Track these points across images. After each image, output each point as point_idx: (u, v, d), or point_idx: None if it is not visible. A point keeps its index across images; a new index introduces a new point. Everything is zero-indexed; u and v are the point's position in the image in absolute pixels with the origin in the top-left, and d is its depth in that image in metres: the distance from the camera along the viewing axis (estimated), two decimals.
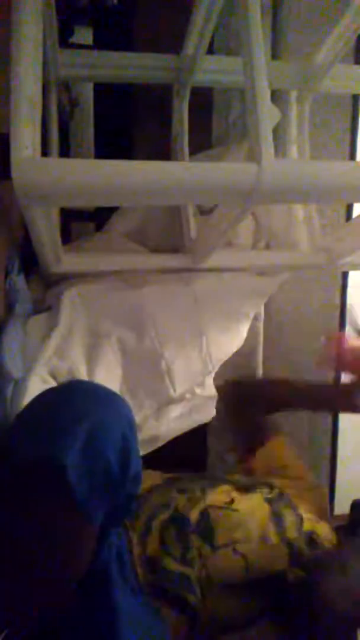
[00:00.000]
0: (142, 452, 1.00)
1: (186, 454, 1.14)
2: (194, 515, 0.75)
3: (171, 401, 0.99)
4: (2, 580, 0.56)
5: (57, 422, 0.58)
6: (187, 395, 1.04)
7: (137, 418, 0.95)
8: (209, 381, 1.13)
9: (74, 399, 0.61)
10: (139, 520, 0.76)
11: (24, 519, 0.56)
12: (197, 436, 1.22)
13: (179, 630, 0.68)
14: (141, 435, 0.97)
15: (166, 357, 0.97)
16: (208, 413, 1.13)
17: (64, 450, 0.54)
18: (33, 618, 0.58)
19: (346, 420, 1.44)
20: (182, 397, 1.01)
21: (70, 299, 0.95)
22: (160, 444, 1.03)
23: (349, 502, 0.96)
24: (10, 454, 0.58)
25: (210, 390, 1.15)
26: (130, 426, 0.61)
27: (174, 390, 0.98)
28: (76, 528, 0.57)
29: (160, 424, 1.01)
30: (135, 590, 0.68)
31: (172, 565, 0.70)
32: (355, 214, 1.32)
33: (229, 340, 1.08)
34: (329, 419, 1.41)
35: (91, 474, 0.55)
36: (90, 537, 0.59)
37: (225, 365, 1.11)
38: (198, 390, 1.09)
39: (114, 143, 1.57)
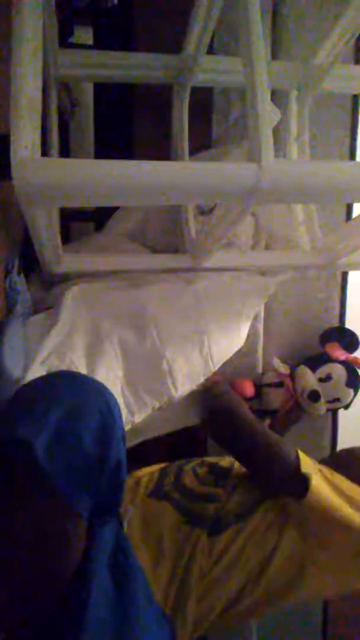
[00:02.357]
0: (138, 441, 1.01)
1: (186, 454, 1.14)
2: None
3: (172, 401, 0.99)
4: None
5: (32, 406, 0.59)
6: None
7: (139, 417, 0.96)
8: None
9: (54, 386, 0.63)
10: (170, 469, 0.92)
11: (1, 501, 0.56)
12: (196, 435, 1.22)
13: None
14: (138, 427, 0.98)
15: (167, 357, 0.97)
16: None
17: (32, 430, 0.55)
18: (17, 613, 0.58)
19: (346, 420, 1.44)
20: (182, 397, 1.02)
21: (71, 298, 0.95)
22: (151, 436, 1.04)
23: None
24: None
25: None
26: (111, 413, 0.61)
27: (175, 390, 0.98)
28: (55, 511, 0.57)
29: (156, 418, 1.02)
30: (149, 597, 0.69)
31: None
32: (355, 214, 1.32)
33: (229, 340, 1.08)
34: (329, 418, 1.41)
35: (65, 455, 0.55)
36: (74, 524, 0.58)
37: (225, 365, 1.11)
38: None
39: (114, 143, 1.57)
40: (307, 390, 1.18)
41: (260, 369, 1.30)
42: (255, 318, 1.22)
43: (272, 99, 0.77)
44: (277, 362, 1.24)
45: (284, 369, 1.23)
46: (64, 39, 1.33)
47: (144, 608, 0.67)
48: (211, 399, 1.02)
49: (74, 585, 0.59)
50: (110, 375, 0.92)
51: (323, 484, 0.80)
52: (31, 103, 0.60)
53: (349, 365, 1.21)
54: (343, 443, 1.43)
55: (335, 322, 1.37)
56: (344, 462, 0.93)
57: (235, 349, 1.10)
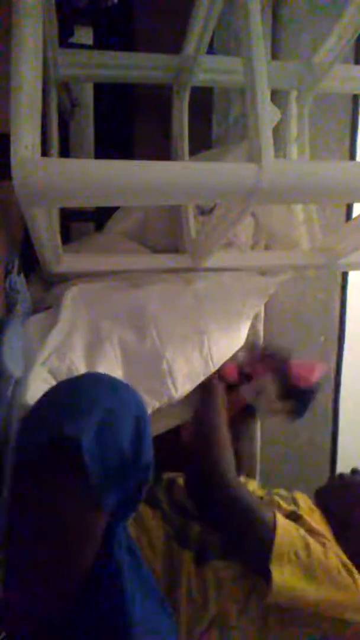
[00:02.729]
0: None
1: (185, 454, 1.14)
2: None
3: (172, 401, 0.99)
4: (13, 558, 0.57)
5: (72, 406, 0.60)
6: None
7: None
8: None
9: (88, 386, 0.64)
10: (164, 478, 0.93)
11: (38, 500, 0.57)
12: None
13: None
14: None
15: (167, 357, 0.96)
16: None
17: (80, 431, 0.55)
18: (40, 605, 0.58)
19: (346, 420, 1.44)
20: (183, 396, 1.02)
21: (71, 298, 0.95)
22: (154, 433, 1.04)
23: None
24: (24, 438, 0.60)
25: None
26: (143, 415, 0.63)
27: (176, 390, 0.98)
28: (87, 511, 0.58)
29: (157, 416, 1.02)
30: (151, 588, 0.69)
31: None
32: (355, 214, 1.32)
33: (229, 340, 1.08)
34: (330, 417, 1.42)
35: (104, 458, 0.56)
36: (98, 523, 0.59)
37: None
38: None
39: (114, 143, 1.57)
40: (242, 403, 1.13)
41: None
42: (255, 318, 1.22)
43: (272, 99, 0.77)
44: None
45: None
46: (64, 39, 1.33)
47: (159, 606, 0.68)
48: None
49: (106, 581, 0.60)
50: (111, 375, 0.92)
51: (291, 578, 0.77)
52: (31, 103, 0.60)
53: (280, 377, 1.14)
54: (343, 442, 1.43)
55: (335, 322, 1.37)
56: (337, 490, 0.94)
57: (236, 349, 1.10)
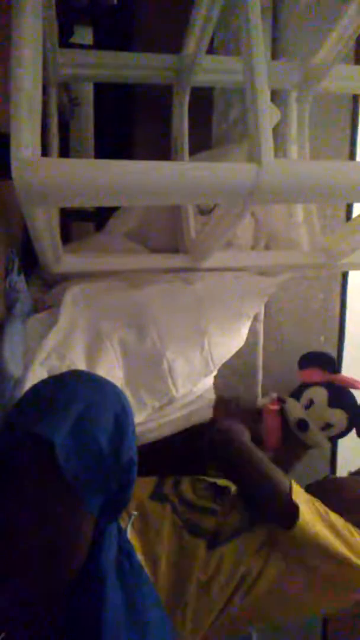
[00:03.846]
0: (138, 443, 1.01)
1: (184, 455, 1.14)
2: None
3: (173, 401, 0.99)
4: None
5: (48, 403, 0.59)
6: (188, 395, 1.04)
7: (139, 417, 0.96)
8: (210, 381, 1.13)
9: (67, 384, 0.63)
10: (167, 479, 0.95)
11: (14, 498, 0.57)
12: (195, 437, 1.22)
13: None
14: (140, 428, 0.98)
15: (168, 357, 0.96)
16: (207, 413, 1.13)
17: (53, 428, 0.55)
18: (25, 609, 0.57)
19: None
20: (183, 396, 1.02)
21: (71, 298, 0.95)
22: (153, 438, 1.04)
23: None
24: (3, 435, 0.60)
25: (211, 390, 1.15)
26: (125, 412, 0.62)
27: (176, 391, 0.98)
28: (68, 509, 0.57)
29: (161, 421, 1.02)
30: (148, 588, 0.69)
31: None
32: (355, 214, 1.32)
33: (229, 340, 1.08)
34: None
35: (81, 454, 0.56)
36: (84, 522, 0.58)
37: (226, 365, 1.11)
38: (199, 390, 1.09)
39: (114, 143, 1.57)
40: (295, 420, 1.16)
41: (260, 370, 1.30)
42: (255, 318, 1.22)
43: (272, 99, 0.77)
44: (261, 401, 1.23)
45: (270, 403, 1.20)
46: (64, 39, 1.33)
47: (152, 608, 0.67)
48: (214, 432, 1.01)
49: (87, 585, 0.59)
50: (110, 375, 0.92)
51: (311, 516, 0.82)
52: (31, 103, 0.60)
53: (330, 386, 1.18)
54: (343, 443, 1.43)
55: (335, 322, 1.37)
56: (328, 490, 0.96)
57: (236, 349, 1.10)
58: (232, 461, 0.92)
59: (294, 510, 0.80)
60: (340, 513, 0.86)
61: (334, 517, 0.85)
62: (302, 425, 1.15)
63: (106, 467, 0.58)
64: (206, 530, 0.85)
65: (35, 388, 0.65)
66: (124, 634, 0.60)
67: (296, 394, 1.22)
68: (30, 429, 0.56)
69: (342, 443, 1.43)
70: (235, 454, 0.92)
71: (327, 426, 1.18)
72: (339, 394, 1.18)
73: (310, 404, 1.18)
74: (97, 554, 0.61)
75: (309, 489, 0.93)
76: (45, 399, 0.61)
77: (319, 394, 1.18)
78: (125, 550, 0.68)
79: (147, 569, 0.77)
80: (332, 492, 0.96)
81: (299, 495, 0.84)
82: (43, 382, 0.66)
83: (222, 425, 1.02)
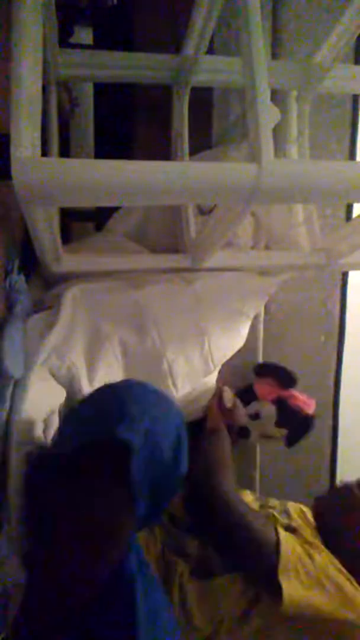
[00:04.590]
0: None
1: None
2: None
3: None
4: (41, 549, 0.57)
5: (123, 411, 0.59)
6: (188, 395, 1.04)
7: None
8: (210, 381, 1.13)
9: (137, 393, 0.64)
10: None
11: (74, 501, 0.57)
12: (195, 436, 1.22)
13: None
14: None
15: (168, 357, 0.96)
16: (199, 409, 1.14)
17: (133, 433, 0.56)
18: (60, 607, 0.57)
19: (346, 420, 1.44)
20: (183, 396, 1.02)
21: (71, 298, 0.95)
22: None
23: None
24: (68, 438, 0.61)
25: (211, 390, 1.15)
26: (182, 425, 0.63)
27: (176, 391, 0.98)
28: (121, 516, 0.58)
29: None
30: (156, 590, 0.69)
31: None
32: (355, 214, 1.32)
33: (230, 340, 1.08)
34: (330, 418, 1.42)
35: (149, 462, 0.57)
36: (128, 529, 0.59)
37: (225, 365, 1.11)
38: (199, 390, 1.09)
39: (114, 143, 1.57)
40: (237, 426, 1.14)
41: None
42: (255, 318, 1.22)
43: (272, 99, 0.77)
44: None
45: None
46: (64, 39, 1.33)
47: (164, 611, 0.67)
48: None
49: (118, 587, 0.60)
50: (111, 375, 0.92)
51: (299, 588, 0.77)
52: (31, 103, 0.60)
53: (280, 404, 1.17)
54: (343, 443, 1.43)
55: (335, 322, 1.37)
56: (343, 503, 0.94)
57: (236, 349, 1.10)
58: (220, 518, 0.85)
59: (277, 589, 0.76)
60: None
61: (325, 567, 0.81)
62: (244, 432, 1.15)
63: (164, 477, 0.59)
64: (190, 555, 0.84)
65: (101, 395, 0.66)
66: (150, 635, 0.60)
67: (245, 397, 1.19)
68: (109, 432, 0.56)
69: (343, 443, 1.43)
70: (224, 511, 0.85)
71: (267, 437, 1.18)
72: (287, 414, 1.17)
73: (256, 416, 1.17)
74: (127, 557, 0.61)
75: (321, 501, 0.92)
76: (116, 406, 0.61)
77: (268, 411, 1.17)
78: (141, 558, 0.68)
79: None
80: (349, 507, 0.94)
81: (286, 560, 0.79)
82: (108, 390, 0.67)
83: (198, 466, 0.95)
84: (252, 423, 1.17)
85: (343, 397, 1.42)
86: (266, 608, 0.79)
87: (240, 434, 1.15)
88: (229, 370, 1.21)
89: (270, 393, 1.19)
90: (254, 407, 1.18)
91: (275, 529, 0.84)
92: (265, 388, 1.21)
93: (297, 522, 0.95)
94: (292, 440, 1.19)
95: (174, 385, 0.97)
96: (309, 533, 0.92)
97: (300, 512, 1.00)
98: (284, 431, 1.18)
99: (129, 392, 0.64)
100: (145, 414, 0.59)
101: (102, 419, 0.60)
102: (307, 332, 1.35)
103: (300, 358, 1.35)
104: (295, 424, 1.17)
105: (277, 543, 0.80)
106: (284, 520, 0.95)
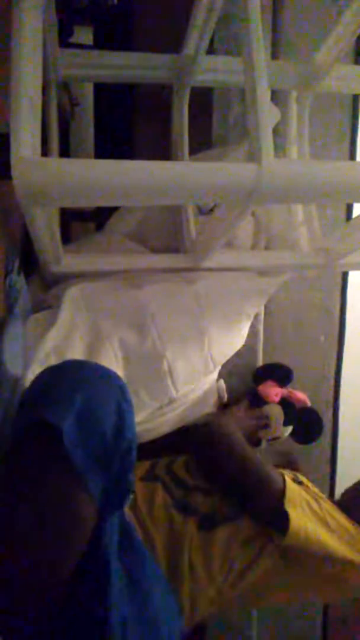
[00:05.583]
0: (139, 441, 1.01)
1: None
2: None
3: (173, 401, 0.99)
4: None
5: (54, 391, 0.61)
6: (188, 395, 1.04)
7: (139, 417, 0.96)
8: (210, 381, 1.13)
9: (69, 372, 0.65)
10: (162, 460, 0.96)
11: (22, 485, 0.57)
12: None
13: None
14: (139, 428, 0.98)
15: (168, 357, 0.97)
16: (206, 411, 1.14)
17: (61, 415, 0.56)
18: (26, 598, 0.57)
19: (346, 420, 1.44)
20: (183, 396, 1.02)
21: (71, 298, 0.95)
22: (154, 437, 1.04)
23: None
24: (15, 424, 0.62)
25: (211, 389, 1.15)
26: (124, 397, 0.64)
27: (176, 391, 0.98)
28: (74, 495, 0.58)
29: (160, 420, 1.02)
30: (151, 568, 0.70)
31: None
32: (355, 214, 1.32)
33: (230, 340, 1.08)
34: (330, 418, 1.41)
35: (86, 441, 0.57)
36: (85, 504, 0.59)
37: (225, 365, 1.11)
38: (199, 390, 1.09)
39: (114, 143, 1.57)
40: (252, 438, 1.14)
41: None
42: (255, 318, 1.22)
43: (272, 99, 0.77)
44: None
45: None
46: (64, 39, 1.33)
47: (155, 585, 0.68)
48: (207, 424, 1.01)
49: (91, 571, 0.60)
50: None
51: (304, 519, 0.81)
52: (31, 103, 0.60)
53: (285, 403, 1.19)
54: (343, 443, 1.43)
55: (335, 322, 1.37)
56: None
57: (236, 349, 1.10)
58: (215, 457, 0.91)
59: (284, 516, 0.80)
60: None
61: (331, 511, 0.85)
62: (257, 443, 1.17)
63: (109, 451, 0.60)
64: (195, 509, 0.85)
65: (41, 377, 0.67)
66: (126, 609, 0.60)
67: (254, 403, 1.19)
68: (38, 415, 0.57)
69: (343, 443, 1.43)
70: (218, 449, 0.91)
71: (274, 439, 1.19)
72: (291, 411, 1.18)
73: (266, 425, 1.17)
74: (101, 539, 0.61)
75: (347, 495, 0.93)
76: (51, 385, 0.63)
77: (278, 413, 1.17)
78: (126, 531, 0.68)
79: (145, 546, 0.78)
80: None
81: (292, 494, 0.83)
82: (47, 371, 0.68)
83: (208, 419, 1.02)
84: (263, 432, 1.17)
85: (343, 397, 1.42)
86: (271, 555, 0.82)
87: (254, 444, 1.16)
88: (228, 371, 1.21)
89: (277, 394, 1.20)
90: (266, 411, 1.17)
91: (283, 476, 0.87)
92: (270, 390, 1.21)
93: (304, 480, 0.97)
94: (306, 437, 1.21)
95: (174, 385, 0.98)
96: (316, 490, 0.94)
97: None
98: (289, 429, 1.19)
99: (63, 371, 0.66)
100: (75, 391, 0.59)
101: (34, 402, 0.61)
102: (307, 332, 1.35)
103: (300, 358, 1.35)
104: (305, 418, 1.19)
105: (284, 482, 0.85)
106: (290, 474, 0.96)
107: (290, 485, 0.85)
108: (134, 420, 0.65)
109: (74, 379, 0.63)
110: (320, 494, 0.93)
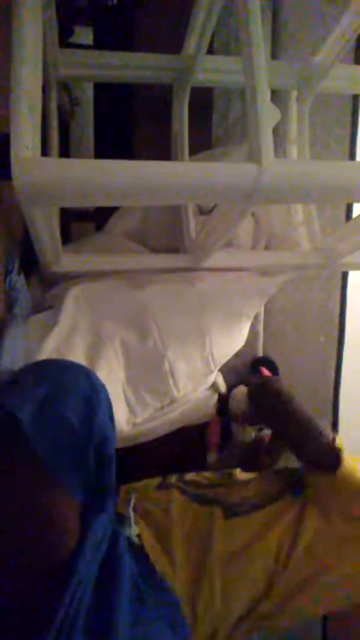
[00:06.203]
0: (139, 441, 1.01)
1: (185, 452, 1.14)
2: None
3: (174, 401, 0.99)
4: None
5: (20, 382, 0.62)
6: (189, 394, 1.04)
7: (141, 417, 0.96)
8: (210, 381, 1.13)
9: (38, 368, 0.67)
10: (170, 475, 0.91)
11: None
12: (196, 434, 1.22)
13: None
14: (140, 429, 0.98)
15: (169, 358, 0.97)
16: (208, 412, 1.13)
17: (18, 403, 0.57)
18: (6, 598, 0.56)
19: (346, 419, 1.44)
20: (184, 396, 1.02)
21: (72, 299, 0.95)
22: (155, 436, 1.04)
23: None
24: None
25: (211, 390, 1.15)
26: (94, 390, 0.64)
27: (177, 391, 0.98)
28: (44, 490, 0.57)
29: (160, 420, 1.02)
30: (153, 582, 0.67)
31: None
32: (355, 214, 1.32)
33: (230, 341, 1.08)
34: (330, 418, 1.41)
35: (51, 430, 0.57)
36: (63, 506, 0.58)
37: (226, 365, 1.11)
38: (199, 390, 1.09)
39: (114, 143, 1.57)
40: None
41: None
42: (255, 318, 1.22)
43: (272, 99, 0.77)
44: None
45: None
46: (64, 39, 1.33)
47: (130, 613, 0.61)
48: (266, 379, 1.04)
49: (65, 585, 0.56)
50: (111, 376, 0.92)
51: (356, 463, 0.82)
52: (31, 103, 0.60)
53: None
54: (343, 439, 1.43)
55: (335, 322, 1.37)
56: None
57: (236, 349, 1.10)
58: (280, 406, 0.93)
59: (337, 452, 0.81)
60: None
61: None
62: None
63: (79, 444, 0.59)
64: (216, 499, 0.82)
65: (14, 374, 0.67)
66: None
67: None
68: (2, 405, 0.58)
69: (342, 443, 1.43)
70: (284, 401, 0.93)
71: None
72: None
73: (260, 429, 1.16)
74: (82, 545, 0.59)
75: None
76: (16, 380, 0.64)
77: None
78: (117, 549, 0.65)
79: (160, 549, 0.73)
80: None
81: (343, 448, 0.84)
82: (21, 369, 0.69)
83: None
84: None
85: (343, 397, 1.42)
86: (319, 514, 0.79)
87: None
88: (229, 371, 1.21)
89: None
90: None
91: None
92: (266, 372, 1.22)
93: None
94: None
95: (175, 385, 0.98)
96: None
97: None
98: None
99: (32, 368, 0.67)
100: (40, 383, 0.60)
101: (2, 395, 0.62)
102: (307, 332, 1.35)
103: (300, 358, 1.35)
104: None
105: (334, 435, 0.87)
106: None
107: (340, 441, 0.87)
108: (109, 414, 0.65)
109: (40, 373, 0.64)
110: None
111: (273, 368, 1.25)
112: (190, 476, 0.92)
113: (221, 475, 0.92)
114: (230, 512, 0.79)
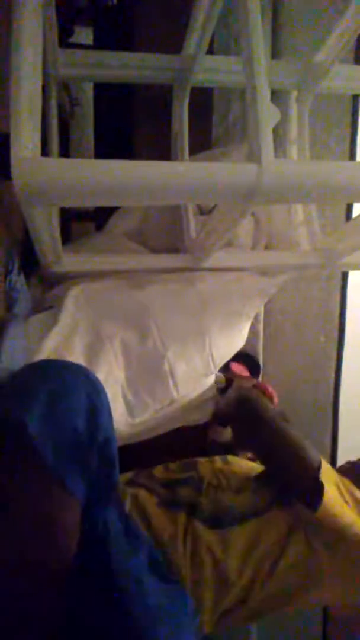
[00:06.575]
0: (138, 439, 1.01)
1: (186, 450, 1.14)
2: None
3: (174, 402, 0.99)
4: None
5: (22, 387, 0.61)
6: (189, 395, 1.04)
7: (141, 418, 0.95)
8: (210, 381, 1.13)
9: (38, 369, 0.66)
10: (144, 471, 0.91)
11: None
12: (197, 432, 1.22)
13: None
14: (140, 427, 0.98)
15: (169, 358, 0.96)
16: (207, 412, 1.13)
17: (24, 410, 0.57)
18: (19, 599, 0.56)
19: (346, 419, 1.44)
20: (184, 397, 1.02)
21: (72, 299, 0.95)
22: (155, 434, 1.04)
23: None
24: None
25: (211, 390, 1.15)
26: (96, 391, 0.64)
27: (177, 391, 0.98)
28: (50, 493, 0.57)
29: (161, 420, 1.02)
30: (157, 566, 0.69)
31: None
32: (355, 214, 1.32)
33: (230, 341, 1.08)
34: (329, 417, 1.42)
35: (55, 434, 0.57)
36: (68, 507, 0.58)
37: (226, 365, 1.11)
38: (199, 390, 1.09)
39: (114, 143, 1.57)
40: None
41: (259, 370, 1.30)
42: (255, 318, 1.22)
43: (272, 99, 0.77)
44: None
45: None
46: (64, 39, 1.33)
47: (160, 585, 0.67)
48: (241, 390, 1.00)
49: (94, 574, 0.60)
50: (111, 376, 0.92)
51: (337, 497, 0.79)
52: (31, 103, 0.60)
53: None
54: (343, 442, 1.43)
55: (335, 322, 1.37)
56: None
57: (236, 349, 1.10)
58: (257, 423, 0.89)
59: (319, 488, 0.77)
60: None
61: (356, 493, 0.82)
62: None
63: (83, 446, 0.59)
64: (182, 501, 0.82)
65: (12, 377, 0.67)
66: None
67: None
68: (4, 413, 0.58)
69: (342, 443, 1.43)
70: (261, 416, 0.89)
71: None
72: None
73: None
74: (103, 539, 0.61)
75: (340, 470, 0.91)
76: (16, 384, 0.63)
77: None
78: (129, 528, 0.68)
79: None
80: None
81: (328, 473, 0.81)
82: (21, 370, 0.68)
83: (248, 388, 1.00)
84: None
85: (343, 397, 1.42)
86: (298, 542, 0.79)
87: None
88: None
89: (242, 371, 1.19)
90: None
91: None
92: (238, 367, 1.21)
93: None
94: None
95: (175, 386, 0.97)
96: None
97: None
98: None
99: (32, 370, 0.67)
100: (42, 385, 0.60)
101: (3, 401, 0.62)
102: (307, 332, 1.35)
103: (300, 358, 1.35)
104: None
105: (319, 463, 0.82)
106: None
107: (325, 465, 0.82)
108: (109, 414, 0.65)
109: (41, 376, 0.64)
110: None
111: (253, 365, 1.23)
112: (157, 470, 0.93)
113: (182, 466, 0.92)
114: (215, 522, 0.80)
